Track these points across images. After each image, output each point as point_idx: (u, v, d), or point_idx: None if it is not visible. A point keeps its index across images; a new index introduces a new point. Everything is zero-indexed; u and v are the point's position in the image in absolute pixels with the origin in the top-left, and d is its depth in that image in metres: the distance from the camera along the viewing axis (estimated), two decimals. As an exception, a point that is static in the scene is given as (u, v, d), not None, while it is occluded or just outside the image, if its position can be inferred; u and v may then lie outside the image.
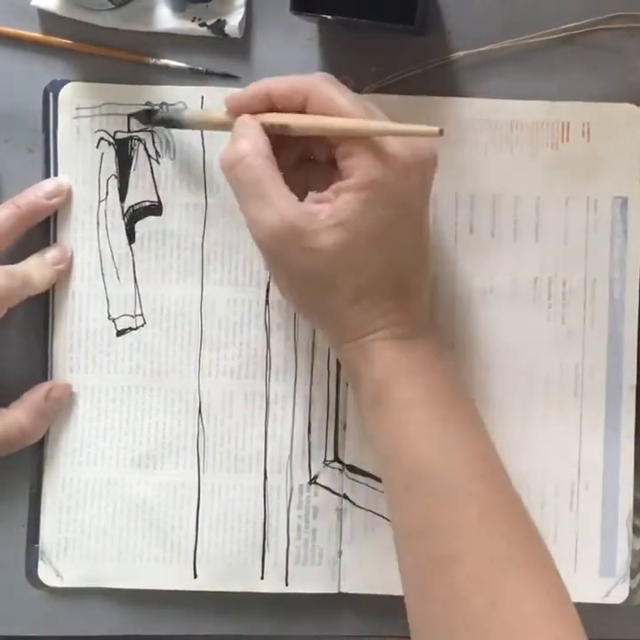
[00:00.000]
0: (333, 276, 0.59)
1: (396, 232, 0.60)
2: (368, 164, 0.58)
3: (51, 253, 0.69)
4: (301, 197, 0.60)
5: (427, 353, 0.61)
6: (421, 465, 0.59)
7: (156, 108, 0.68)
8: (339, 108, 0.59)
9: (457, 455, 0.59)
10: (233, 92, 0.63)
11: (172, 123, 0.67)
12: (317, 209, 0.59)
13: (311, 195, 0.61)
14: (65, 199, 0.69)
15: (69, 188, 0.69)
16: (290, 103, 0.61)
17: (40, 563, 0.69)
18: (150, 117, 0.68)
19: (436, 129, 0.57)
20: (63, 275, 0.69)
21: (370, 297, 0.60)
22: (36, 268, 0.68)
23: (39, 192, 0.68)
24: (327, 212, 0.58)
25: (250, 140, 0.60)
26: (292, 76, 0.62)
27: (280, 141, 0.61)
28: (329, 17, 0.65)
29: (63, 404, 0.69)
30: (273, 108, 0.61)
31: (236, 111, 0.62)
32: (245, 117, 0.61)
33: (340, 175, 0.60)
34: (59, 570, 0.69)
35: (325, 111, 0.60)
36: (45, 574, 0.69)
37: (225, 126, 0.63)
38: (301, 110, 0.61)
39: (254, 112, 0.61)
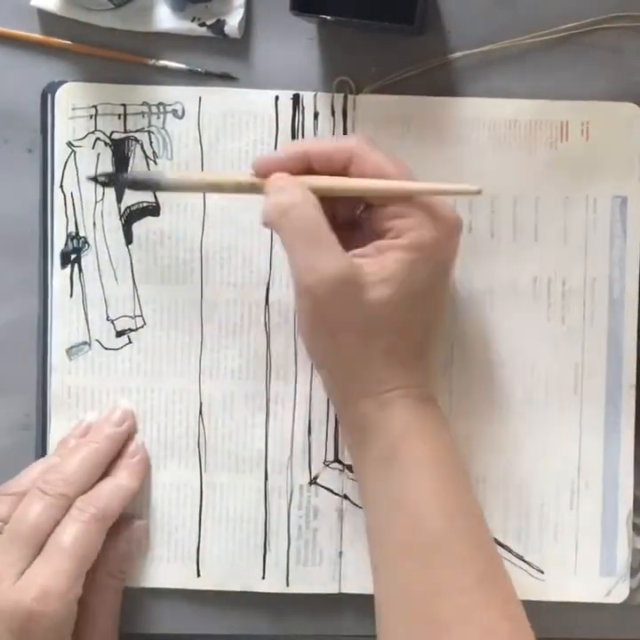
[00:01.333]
0: (371, 331, 0.59)
1: (432, 292, 0.61)
2: (420, 225, 0.59)
3: (128, 450, 0.69)
4: None
5: (438, 416, 0.62)
6: (424, 527, 0.58)
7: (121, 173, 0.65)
8: (386, 172, 0.60)
9: (460, 522, 0.59)
10: (261, 155, 0.62)
11: (150, 185, 0.63)
12: (363, 262, 0.59)
13: (352, 251, 0.61)
14: (133, 422, 0.69)
15: (132, 410, 0.69)
16: (330, 164, 0.61)
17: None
18: (116, 179, 0.65)
19: (477, 188, 0.59)
20: (147, 463, 0.69)
21: (400, 354, 0.60)
22: (122, 472, 0.68)
23: (109, 424, 0.68)
24: (373, 268, 0.59)
25: (298, 191, 0.60)
26: (332, 138, 0.63)
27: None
28: (329, 17, 0.65)
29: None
30: (308, 170, 0.61)
31: (264, 173, 0.62)
32: (282, 174, 0.61)
33: (383, 234, 0.60)
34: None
35: (371, 174, 0.60)
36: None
37: (247, 188, 0.62)
38: (341, 172, 0.61)
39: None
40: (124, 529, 0.67)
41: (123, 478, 0.67)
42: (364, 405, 0.61)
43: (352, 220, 0.64)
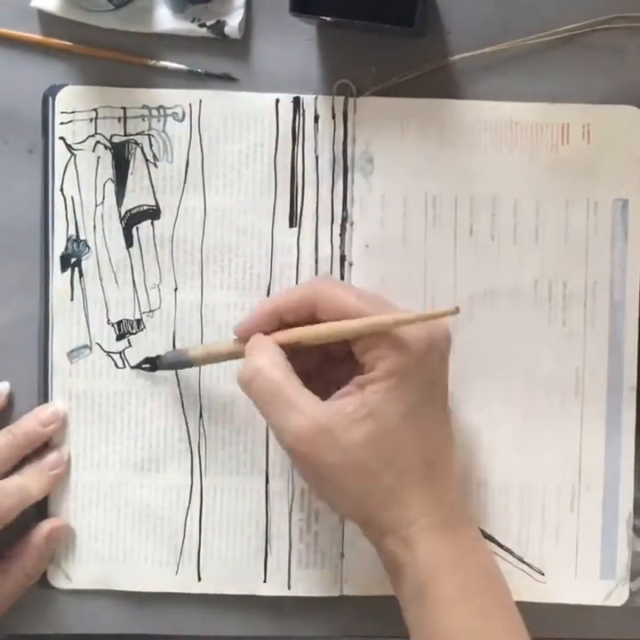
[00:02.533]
0: (368, 469, 0.59)
1: (422, 413, 0.60)
2: (388, 355, 0.59)
3: (48, 459, 0.68)
4: (326, 396, 0.60)
5: (466, 540, 0.61)
6: None
7: (159, 355, 0.69)
8: (348, 308, 0.60)
9: None
10: (241, 321, 0.64)
11: (180, 365, 0.67)
12: (344, 403, 0.59)
13: (335, 393, 0.61)
14: (60, 426, 0.69)
15: (65, 414, 0.69)
16: (299, 315, 0.62)
17: (48, 565, 0.69)
18: (156, 364, 0.69)
19: (451, 309, 0.58)
20: (60, 478, 0.69)
21: (406, 485, 0.59)
22: (33, 479, 0.67)
23: (35, 420, 0.68)
24: (354, 405, 0.59)
25: (264, 354, 0.61)
26: (294, 287, 0.63)
27: (295, 350, 0.62)
28: (328, 19, 0.65)
29: (62, 543, 0.69)
30: (282, 324, 0.62)
31: (246, 336, 0.63)
32: (257, 336, 0.62)
33: (362, 369, 0.60)
34: (68, 572, 0.69)
35: (336, 313, 0.60)
36: (54, 577, 0.69)
37: (237, 354, 0.64)
38: (312, 318, 0.61)
39: (265, 333, 0.63)
40: (47, 527, 0.67)
41: (31, 484, 0.67)
42: (388, 543, 0.60)
43: (350, 353, 0.63)
